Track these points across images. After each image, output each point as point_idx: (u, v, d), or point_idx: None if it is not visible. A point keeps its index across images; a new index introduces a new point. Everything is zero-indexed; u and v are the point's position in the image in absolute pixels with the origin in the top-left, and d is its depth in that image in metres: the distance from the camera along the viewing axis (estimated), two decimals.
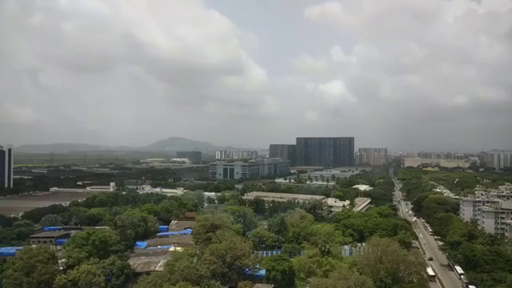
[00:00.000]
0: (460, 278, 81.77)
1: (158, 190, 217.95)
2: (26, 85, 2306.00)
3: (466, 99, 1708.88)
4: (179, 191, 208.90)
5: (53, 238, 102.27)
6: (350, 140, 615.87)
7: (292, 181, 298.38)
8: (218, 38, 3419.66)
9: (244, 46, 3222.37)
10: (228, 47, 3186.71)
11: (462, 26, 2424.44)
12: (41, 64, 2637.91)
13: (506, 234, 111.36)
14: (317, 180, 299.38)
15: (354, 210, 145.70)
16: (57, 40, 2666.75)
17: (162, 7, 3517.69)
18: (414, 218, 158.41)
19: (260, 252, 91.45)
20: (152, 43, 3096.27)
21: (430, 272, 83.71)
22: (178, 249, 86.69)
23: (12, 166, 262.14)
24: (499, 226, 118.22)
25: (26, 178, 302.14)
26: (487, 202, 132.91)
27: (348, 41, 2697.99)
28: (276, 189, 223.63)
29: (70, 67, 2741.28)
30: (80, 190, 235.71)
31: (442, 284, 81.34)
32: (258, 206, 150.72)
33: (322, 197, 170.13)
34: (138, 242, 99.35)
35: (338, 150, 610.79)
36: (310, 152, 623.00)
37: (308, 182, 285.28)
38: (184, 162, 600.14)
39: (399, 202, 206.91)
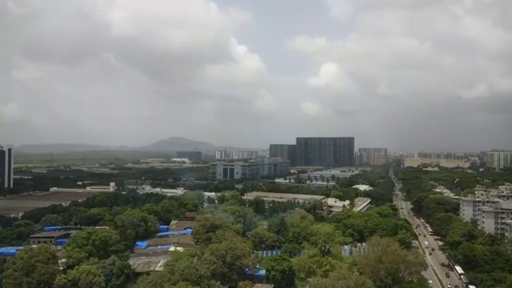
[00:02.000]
0: (460, 278, 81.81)
1: (158, 189, 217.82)
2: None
3: (469, 95, 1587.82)
4: (179, 191, 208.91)
5: (53, 237, 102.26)
6: (350, 140, 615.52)
7: (292, 181, 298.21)
8: (195, 17, 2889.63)
9: (232, 27, 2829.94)
10: (210, 29, 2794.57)
11: (465, 14, 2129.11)
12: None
13: (506, 234, 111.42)
14: (317, 180, 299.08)
15: (353, 209, 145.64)
16: (8, 25, 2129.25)
17: None
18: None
19: (260, 252, 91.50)
20: (112, 23, 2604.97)
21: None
22: (178, 249, 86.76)
23: (12, 166, 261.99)
24: (499, 226, 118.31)
25: (26, 178, 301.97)
26: (487, 201, 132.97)
27: (344, 29, 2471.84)
28: (276, 189, 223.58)
29: (33, 58, 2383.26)
30: (80, 190, 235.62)
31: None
32: (258, 206, 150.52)
33: (322, 197, 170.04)
34: (137, 242, 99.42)
35: (337, 150, 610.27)
36: (310, 152, 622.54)
37: (308, 182, 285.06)
38: (184, 162, 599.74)
39: (399, 202, 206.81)
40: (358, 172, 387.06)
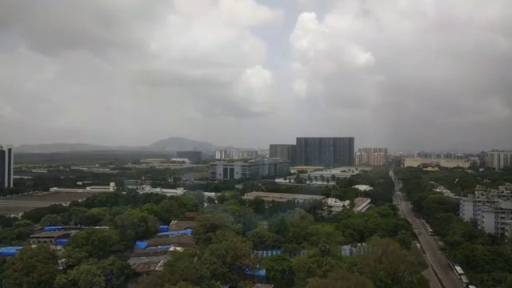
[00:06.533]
0: (460, 278, 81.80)
1: (158, 189, 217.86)
2: None
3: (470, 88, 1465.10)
4: (179, 191, 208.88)
5: (53, 237, 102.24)
6: (350, 140, 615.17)
7: (292, 181, 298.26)
8: None
9: None
10: None
11: None
12: None
13: (506, 234, 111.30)
14: (317, 180, 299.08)
15: (354, 209, 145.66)
16: None
17: None
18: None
19: (260, 252, 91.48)
20: None
21: None
22: (178, 249, 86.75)
23: (12, 166, 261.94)
24: (499, 226, 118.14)
25: (26, 178, 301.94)
26: (487, 201, 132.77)
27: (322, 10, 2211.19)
28: (276, 189, 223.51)
29: None
30: (80, 190, 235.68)
31: None
32: (258, 206, 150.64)
33: (322, 197, 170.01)
34: (137, 242, 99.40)
35: (337, 150, 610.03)
36: (310, 152, 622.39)
37: (308, 182, 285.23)
38: (184, 162, 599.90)
39: (399, 202, 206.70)
40: (358, 172, 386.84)
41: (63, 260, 76.43)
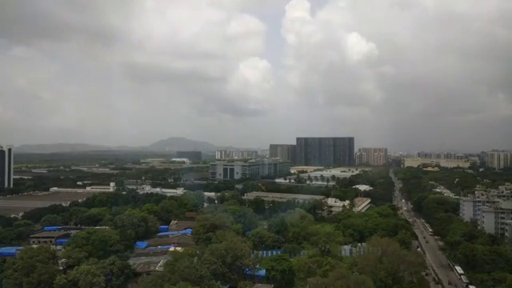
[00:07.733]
0: (460, 278, 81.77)
1: (158, 190, 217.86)
2: None
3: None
4: (179, 191, 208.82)
5: (53, 238, 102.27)
6: (350, 140, 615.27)
7: (292, 181, 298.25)
8: None
9: None
10: None
11: None
12: None
13: (506, 234, 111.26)
14: (317, 180, 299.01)
15: (354, 209, 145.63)
16: None
17: None
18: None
19: (260, 252, 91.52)
20: None
21: None
22: (178, 249, 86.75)
23: (12, 166, 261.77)
24: (499, 226, 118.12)
25: (26, 178, 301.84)
26: (487, 202, 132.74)
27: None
28: (276, 189, 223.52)
29: None
30: (80, 190, 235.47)
31: None
32: (258, 206, 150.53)
33: (321, 197, 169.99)
34: (137, 242, 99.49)
35: (337, 150, 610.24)
36: (310, 152, 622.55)
37: (308, 182, 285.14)
38: (184, 162, 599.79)
39: (399, 202, 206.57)
40: (358, 172, 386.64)
41: (63, 260, 76.42)
